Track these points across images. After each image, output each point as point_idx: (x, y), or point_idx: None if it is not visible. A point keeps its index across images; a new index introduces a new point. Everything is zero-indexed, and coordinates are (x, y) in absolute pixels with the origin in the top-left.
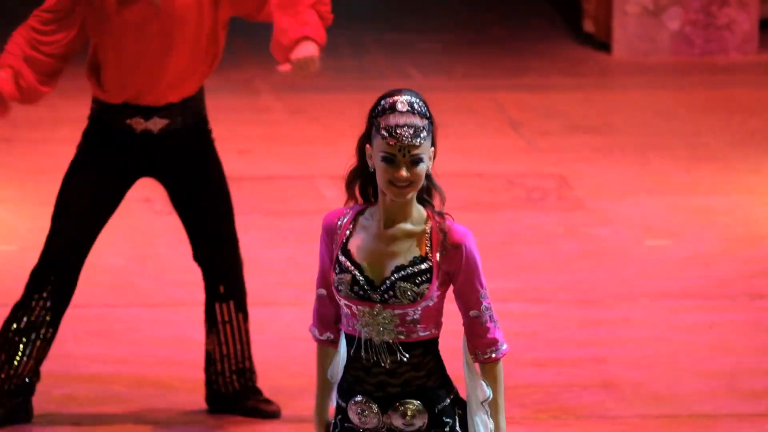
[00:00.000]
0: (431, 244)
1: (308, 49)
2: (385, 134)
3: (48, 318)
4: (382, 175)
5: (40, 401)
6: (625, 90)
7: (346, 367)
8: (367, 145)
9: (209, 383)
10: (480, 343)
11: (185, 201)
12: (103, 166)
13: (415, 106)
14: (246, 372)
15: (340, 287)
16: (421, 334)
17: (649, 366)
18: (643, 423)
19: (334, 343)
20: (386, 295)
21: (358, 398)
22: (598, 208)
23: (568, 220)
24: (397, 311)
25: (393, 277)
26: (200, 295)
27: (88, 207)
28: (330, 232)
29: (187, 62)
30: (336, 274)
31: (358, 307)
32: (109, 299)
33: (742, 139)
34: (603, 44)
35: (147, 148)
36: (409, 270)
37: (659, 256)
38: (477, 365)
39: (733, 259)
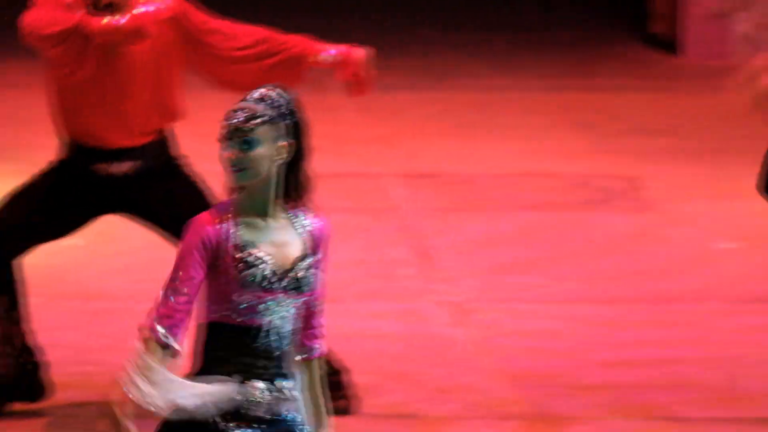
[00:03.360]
0: (311, 236)
1: (356, 53)
2: (223, 118)
3: None
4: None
5: None
6: (693, 93)
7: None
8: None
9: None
10: (312, 334)
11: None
12: (68, 203)
13: (269, 97)
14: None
15: (248, 281)
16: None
17: (717, 368)
18: (711, 426)
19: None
20: (291, 286)
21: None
22: (669, 209)
23: (638, 221)
24: (301, 299)
25: (297, 268)
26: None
27: (39, 223)
28: (208, 242)
29: (147, 107)
30: (241, 272)
31: (266, 298)
32: None
33: None
34: (671, 45)
35: (113, 192)
36: (308, 261)
37: (730, 259)
38: (304, 371)
39: None
